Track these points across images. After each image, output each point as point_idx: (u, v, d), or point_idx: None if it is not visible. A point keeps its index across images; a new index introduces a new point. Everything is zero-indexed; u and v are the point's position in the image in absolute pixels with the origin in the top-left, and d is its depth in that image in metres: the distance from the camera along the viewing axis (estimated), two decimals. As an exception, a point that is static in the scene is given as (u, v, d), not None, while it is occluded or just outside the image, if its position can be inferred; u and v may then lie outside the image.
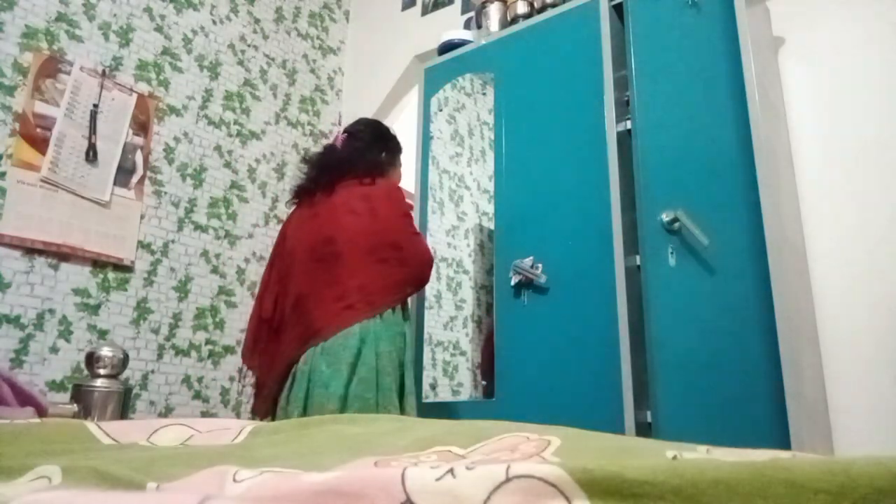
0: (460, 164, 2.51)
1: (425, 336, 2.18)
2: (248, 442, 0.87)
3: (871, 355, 1.71)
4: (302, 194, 1.92)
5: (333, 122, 3.19)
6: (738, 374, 1.57)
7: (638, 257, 1.67)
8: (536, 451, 0.64)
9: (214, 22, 2.69)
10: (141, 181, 2.31)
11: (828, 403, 1.73)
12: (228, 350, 2.50)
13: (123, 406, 1.68)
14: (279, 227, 2.63)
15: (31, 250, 1.99)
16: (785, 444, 1.42)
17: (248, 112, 2.77)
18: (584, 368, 1.69)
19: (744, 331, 1.60)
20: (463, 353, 2.35)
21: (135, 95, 2.33)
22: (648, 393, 1.56)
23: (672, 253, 1.65)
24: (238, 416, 2.48)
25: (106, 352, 1.69)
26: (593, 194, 1.80)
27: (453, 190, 2.46)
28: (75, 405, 1.57)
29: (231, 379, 2.48)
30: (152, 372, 2.23)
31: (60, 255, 2.05)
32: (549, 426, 0.77)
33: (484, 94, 2.56)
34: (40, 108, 2.07)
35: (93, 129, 2.17)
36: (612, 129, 1.81)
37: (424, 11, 3.04)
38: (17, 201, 1.97)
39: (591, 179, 1.82)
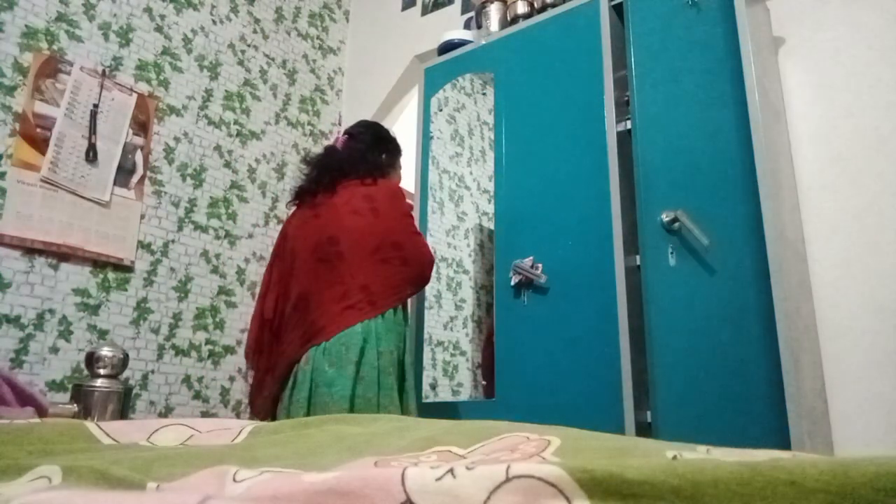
0: (460, 164, 2.51)
1: (425, 336, 2.18)
2: (248, 442, 0.87)
3: (871, 355, 1.71)
4: (303, 195, 1.93)
5: (333, 122, 3.19)
6: (737, 375, 1.57)
7: (638, 257, 1.67)
8: (536, 451, 0.64)
9: (214, 22, 2.69)
10: (141, 181, 2.31)
11: (828, 403, 1.73)
12: (228, 350, 2.50)
13: (123, 406, 1.68)
14: (279, 227, 2.63)
15: (31, 250, 1.98)
16: (785, 444, 1.42)
17: (248, 112, 2.77)
18: (584, 368, 1.69)
19: (744, 331, 1.60)
20: (463, 353, 2.35)
21: (135, 95, 2.33)
22: (648, 393, 1.56)
23: (672, 253, 1.65)
24: (238, 416, 2.48)
25: (106, 352, 1.69)
26: (593, 194, 1.80)
27: (453, 190, 2.46)
28: (75, 405, 1.57)
29: (231, 379, 2.48)
30: (152, 372, 2.23)
31: (60, 255, 2.05)
32: (549, 426, 0.77)
33: (484, 94, 2.56)
34: (40, 108, 2.07)
35: (93, 129, 2.17)
36: (612, 129, 1.81)
37: (424, 11, 3.04)
38: (17, 201, 1.97)
39: (591, 179, 1.82)
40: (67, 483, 0.55)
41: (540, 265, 1.87)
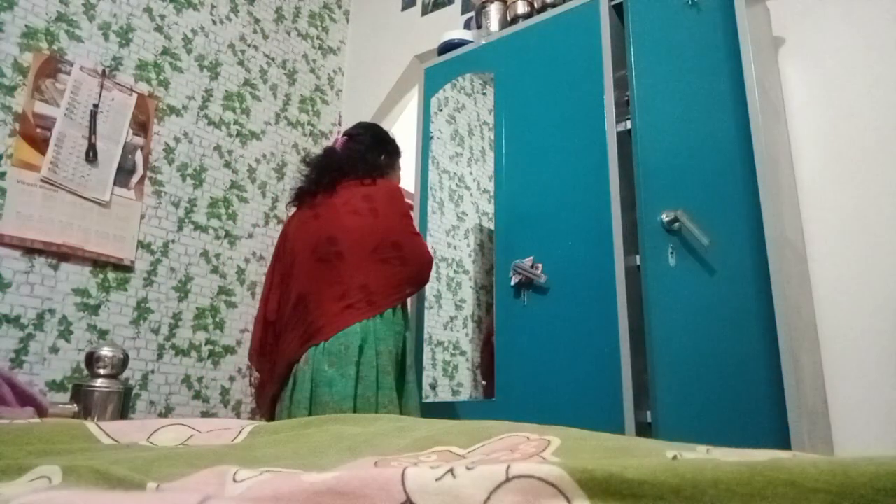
0: (460, 164, 2.51)
1: (425, 336, 2.18)
2: (248, 442, 0.87)
3: (871, 356, 1.71)
4: (303, 196, 1.93)
5: (333, 122, 3.19)
6: (738, 374, 1.57)
7: (638, 257, 1.67)
8: (536, 451, 0.64)
9: (214, 22, 2.69)
10: (141, 181, 2.31)
11: (828, 403, 1.73)
12: (228, 350, 2.50)
13: (123, 406, 1.68)
14: (279, 227, 2.63)
15: (31, 250, 1.98)
16: (785, 444, 1.42)
17: (248, 112, 2.77)
18: (584, 368, 1.69)
19: (744, 331, 1.60)
20: (463, 353, 2.35)
21: (135, 95, 2.33)
22: (648, 393, 1.56)
23: (672, 253, 1.65)
24: (238, 416, 2.48)
25: (106, 352, 1.69)
26: (593, 194, 1.80)
27: (453, 190, 2.46)
28: (75, 405, 1.57)
29: (231, 379, 2.48)
30: (152, 372, 2.23)
31: (60, 255, 2.05)
32: (549, 426, 0.77)
33: (484, 94, 2.56)
34: (40, 108, 2.07)
35: (93, 129, 2.17)
36: (612, 129, 1.81)
37: (424, 11, 3.04)
38: (17, 201, 1.97)
39: (591, 179, 1.82)
40: (67, 483, 0.55)
41: (540, 265, 1.87)
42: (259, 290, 2.58)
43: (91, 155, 2.15)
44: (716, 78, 1.79)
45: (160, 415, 2.21)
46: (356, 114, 3.01)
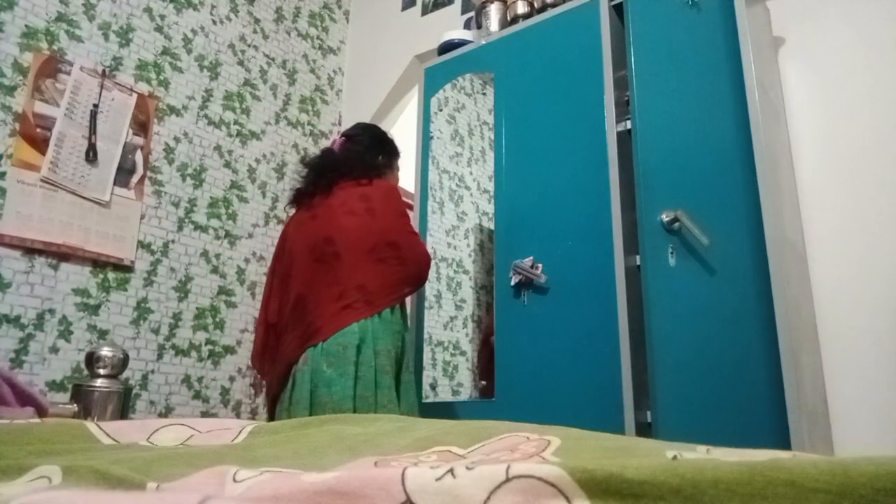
0: (460, 164, 2.51)
1: (425, 336, 2.18)
2: (248, 442, 0.87)
3: (871, 356, 1.71)
4: (300, 197, 1.93)
5: (333, 122, 3.19)
6: (738, 374, 1.57)
7: (638, 257, 1.67)
8: (536, 451, 0.64)
9: (214, 22, 2.69)
10: (141, 181, 2.31)
11: (828, 403, 1.73)
12: (228, 350, 2.50)
13: (123, 406, 1.68)
14: (279, 227, 2.64)
15: (31, 250, 1.98)
16: (785, 444, 1.42)
17: (248, 112, 2.77)
18: (584, 368, 1.69)
19: (744, 331, 1.60)
20: (463, 353, 2.35)
21: (135, 95, 2.33)
22: (648, 393, 1.56)
23: (672, 253, 1.65)
24: (238, 416, 2.48)
25: (106, 352, 1.69)
26: (593, 194, 1.80)
27: (453, 190, 2.46)
28: (75, 405, 1.57)
29: (231, 379, 2.48)
30: (152, 372, 2.23)
31: (60, 255, 2.05)
32: (549, 426, 0.77)
33: (484, 94, 2.56)
34: (40, 108, 2.07)
35: (93, 129, 2.17)
36: (612, 129, 1.81)
37: (424, 11, 3.05)
38: (17, 201, 1.97)
39: (591, 179, 1.82)
40: (67, 483, 0.55)
41: (540, 265, 1.87)
42: (259, 290, 2.58)
43: (91, 155, 2.15)
44: (716, 78, 1.79)
45: (160, 415, 2.21)
46: (356, 114, 3.01)
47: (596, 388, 1.65)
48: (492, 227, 2.09)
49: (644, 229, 1.66)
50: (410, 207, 2.27)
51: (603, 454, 0.62)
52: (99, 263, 2.15)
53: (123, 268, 2.21)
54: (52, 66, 2.12)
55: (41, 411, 1.24)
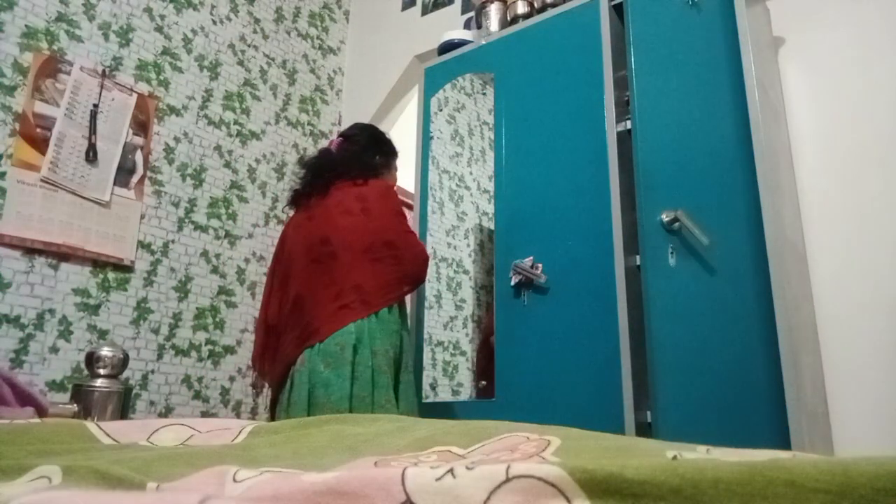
0: (460, 164, 2.51)
1: (425, 336, 2.18)
2: (248, 442, 0.87)
3: (871, 356, 1.71)
4: (298, 198, 1.94)
5: (333, 122, 3.19)
6: (738, 375, 1.57)
7: (638, 257, 1.67)
8: (536, 451, 0.64)
9: (214, 22, 2.69)
10: (141, 181, 2.31)
11: (828, 403, 1.73)
12: (228, 350, 2.50)
13: (123, 406, 1.68)
14: (279, 227, 2.64)
15: (31, 250, 1.98)
16: (785, 444, 1.42)
17: (248, 112, 2.77)
18: (584, 368, 1.69)
19: (744, 331, 1.60)
20: (463, 353, 2.35)
21: (135, 95, 2.33)
22: (648, 393, 1.56)
23: (672, 253, 1.65)
24: (238, 416, 2.48)
25: (106, 352, 1.69)
26: (593, 194, 1.80)
27: (453, 190, 2.46)
28: (75, 405, 1.57)
29: (231, 379, 2.48)
30: (152, 372, 2.23)
31: (60, 255, 2.05)
32: (549, 426, 0.77)
33: (484, 94, 2.56)
34: (40, 108, 2.07)
35: (93, 129, 2.17)
36: (612, 129, 1.81)
37: (424, 11, 3.04)
38: (17, 201, 1.97)
39: (591, 179, 1.82)
40: (67, 483, 0.55)
41: (540, 265, 1.87)
42: (259, 290, 2.58)
43: (91, 155, 2.15)
44: (716, 78, 1.79)
45: (160, 415, 2.21)
46: (356, 114, 3.01)
47: (596, 388, 1.65)
48: (492, 227, 2.09)
49: (644, 229, 1.66)
50: (410, 207, 2.27)
51: (603, 454, 0.62)
52: (99, 263, 2.15)
53: (123, 268, 2.21)
54: (52, 66, 2.12)
55: (41, 411, 1.24)
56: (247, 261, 2.64)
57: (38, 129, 2.05)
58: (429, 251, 2.24)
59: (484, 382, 2.24)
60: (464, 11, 2.85)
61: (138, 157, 2.31)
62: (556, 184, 1.92)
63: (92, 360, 1.67)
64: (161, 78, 2.44)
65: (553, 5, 2.15)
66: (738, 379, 1.56)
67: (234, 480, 0.52)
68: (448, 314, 2.34)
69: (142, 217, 2.29)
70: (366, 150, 1.94)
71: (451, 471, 0.41)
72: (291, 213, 2.02)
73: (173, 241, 2.38)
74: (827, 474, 0.35)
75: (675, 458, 0.54)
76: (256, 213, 2.72)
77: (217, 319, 2.48)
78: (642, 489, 0.37)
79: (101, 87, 2.23)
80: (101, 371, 1.66)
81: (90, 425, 0.91)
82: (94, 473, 0.55)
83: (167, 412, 2.24)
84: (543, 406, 1.74)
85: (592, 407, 1.64)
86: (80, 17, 2.22)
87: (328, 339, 1.66)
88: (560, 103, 1.97)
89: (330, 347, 1.65)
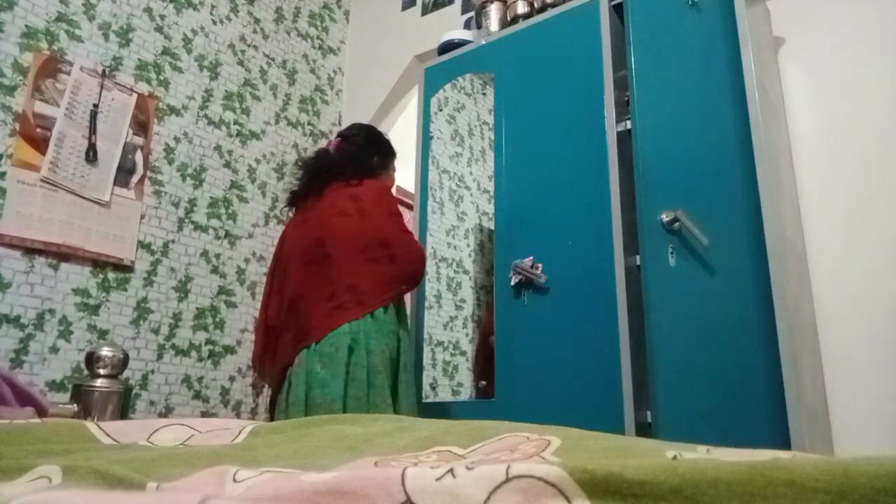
0: (460, 164, 2.51)
1: (425, 336, 2.18)
2: (249, 442, 0.87)
3: (871, 356, 1.71)
4: (296, 200, 1.94)
5: (333, 122, 3.19)
6: (738, 375, 1.57)
7: (638, 257, 1.67)
8: (536, 451, 0.64)
9: (214, 22, 2.69)
10: (141, 181, 2.31)
11: (828, 404, 1.73)
12: (228, 350, 2.50)
13: (123, 406, 1.68)
14: (279, 227, 2.64)
15: (31, 250, 1.98)
16: (785, 444, 1.42)
17: (248, 112, 2.77)
18: (584, 368, 1.69)
19: (744, 331, 1.60)
20: (463, 353, 2.35)
21: (135, 95, 2.33)
22: (648, 393, 1.56)
23: (672, 253, 1.65)
24: (238, 416, 2.48)
25: (106, 352, 1.69)
26: (593, 194, 1.80)
27: (453, 190, 2.46)
28: (75, 405, 1.57)
29: (231, 379, 2.48)
30: (152, 372, 2.23)
31: (60, 255, 2.05)
32: (549, 426, 0.77)
33: (484, 94, 2.56)
34: (40, 108, 2.07)
35: (93, 129, 2.17)
36: (612, 129, 1.81)
37: (424, 11, 3.04)
38: (17, 201, 1.97)
39: (591, 179, 1.82)
40: (67, 483, 0.55)
41: (540, 265, 1.87)
42: (259, 290, 2.58)
43: (91, 155, 2.15)
44: (716, 78, 1.79)
45: (160, 415, 2.21)
46: (356, 114, 3.01)
47: (596, 388, 1.65)
48: (492, 227, 2.09)
49: (644, 229, 1.66)
50: (410, 207, 2.27)
51: (603, 454, 0.62)
52: (99, 263, 2.15)
53: (123, 268, 2.21)
54: (52, 66, 2.12)
55: (41, 411, 1.24)
56: (247, 261, 2.64)
57: (38, 129, 2.05)
58: (429, 251, 2.24)
59: (484, 382, 2.24)
60: (464, 11, 2.85)
61: (138, 157, 2.31)
62: (556, 184, 1.91)
63: (92, 360, 1.67)
64: (161, 78, 2.44)
65: (553, 5, 2.15)
66: (738, 379, 1.56)
67: (235, 480, 0.52)
68: (448, 314, 2.34)
69: (142, 217, 2.29)
70: (363, 151, 1.94)
71: (451, 471, 0.41)
72: (292, 213, 2.02)
73: (173, 241, 2.38)
74: (827, 474, 0.35)
75: (675, 458, 0.54)
76: (256, 213, 2.72)
77: (217, 319, 2.48)
78: (642, 489, 0.37)
79: (101, 87, 2.23)
80: (101, 371, 1.66)
81: (90, 425, 0.91)
82: (94, 473, 0.55)
83: (167, 412, 2.24)
84: (543, 406, 1.74)
85: (592, 407, 1.64)
86: (80, 17, 2.22)
87: (323, 339, 1.66)
88: (560, 103, 1.97)
89: (325, 348, 1.65)
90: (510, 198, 2.03)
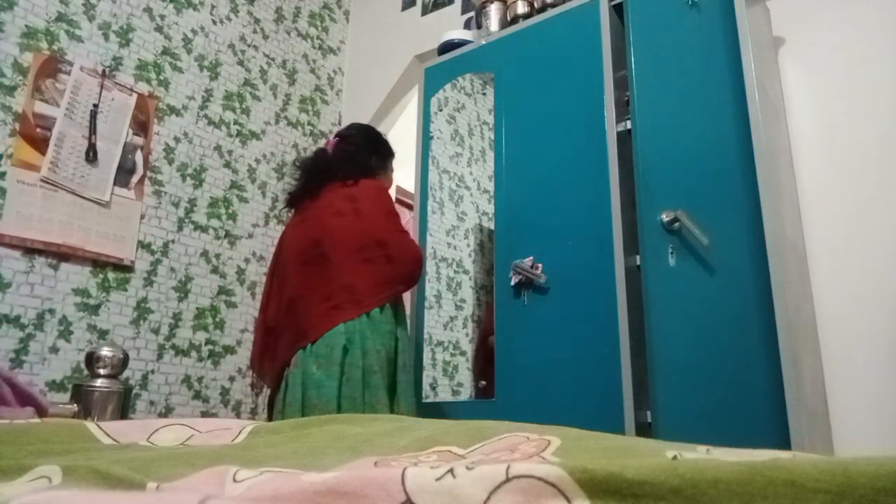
0: (460, 164, 2.51)
1: (425, 336, 2.18)
2: (248, 442, 0.87)
3: (871, 356, 1.71)
4: (293, 200, 1.94)
5: (333, 122, 3.19)
6: (738, 374, 1.57)
7: (638, 257, 1.67)
8: (536, 451, 0.64)
9: (214, 22, 2.69)
10: (141, 181, 2.31)
11: (828, 404, 1.73)
12: (228, 350, 2.50)
13: (123, 406, 1.68)
14: (279, 227, 2.64)
15: (31, 250, 1.98)
16: (785, 444, 1.42)
17: (248, 112, 2.77)
18: (584, 368, 1.69)
19: (744, 331, 1.60)
20: (463, 353, 2.35)
21: (135, 95, 2.33)
22: (648, 393, 1.56)
23: (672, 253, 1.65)
24: (238, 416, 2.48)
25: (106, 352, 1.69)
26: (593, 194, 1.80)
27: (453, 190, 2.46)
28: (75, 405, 1.57)
29: (231, 379, 2.48)
30: (152, 372, 2.23)
31: (60, 255, 2.05)
32: (549, 426, 0.77)
33: (484, 94, 2.56)
34: (40, 108, 2.07)
35: (93, 129, 2.17)
36: (612, 129, 1.81)
37: (424, 11, 3.04)
38: (17, 201, 1.97)
39: (591, 179, 1.82)
40: (67, 483, 0.55)
41: (540, 265, 1.87)
42: (259, 290, 2.58)
43: (91, 155, 2.15)
44: (716, 78, 1.79)
45: (160, 415, 2.21)
46: (356, 114, 3.01)
47: (596, 388, 1.65)
48: (492, 227, 2.09)
49: (644, 229, 1.66)
50: (410, 207, 2.27)
51: (603, 454, 0.62)
52: (99, 263, 2.15)
53: (123, 268, 2.21)
54: (52, 66, 2.12)
55: (41, 411, 1.24)
56: (247, 261, 2.64)
57: (38, 129, 2.05)
58: (429, 251, 2.24)
59: (484, 382, 2.24)
60: (464, 11, 2.85)
61: (138, 157, 2.31)
62: (556, 184, 1.91)
63: (92, 360, 1.67)
64: (161, 78, 2.44)
65: (553, 5, 2.15)
66: (738, 379, 1.56)
67: (234, 480, 0.52)
68: (448, 314, 2.34)
69: (142, 217, 2.29)
70: (361, 151, 1.94)
71: (451, 471, 0.41)
72: (291, 214, 2.02)
73: (173, 241, 2.38)
74: (827, 474, 0.35)
75: (675, 458, 0.54)
76: (256, 213, 2.72)
77: (217, 319, 2.48)
78: (642, 489, 0.37)
79: (101, 87, 2.23)
80: (101, 371, 1.66)
81: (90, 425, 0.91)
82: (94, 473, 0.55)
83: (167, 412, 2.24)
84: (543, 406, 1.74)
85: (592, 407, 1.64)
86: (80, 17, 2.22)
87: (319, 340, 1.66)
88: (560, 103, 1.97)
89: (320, 349, 1.65)
90: (510, 198, 2.03)
